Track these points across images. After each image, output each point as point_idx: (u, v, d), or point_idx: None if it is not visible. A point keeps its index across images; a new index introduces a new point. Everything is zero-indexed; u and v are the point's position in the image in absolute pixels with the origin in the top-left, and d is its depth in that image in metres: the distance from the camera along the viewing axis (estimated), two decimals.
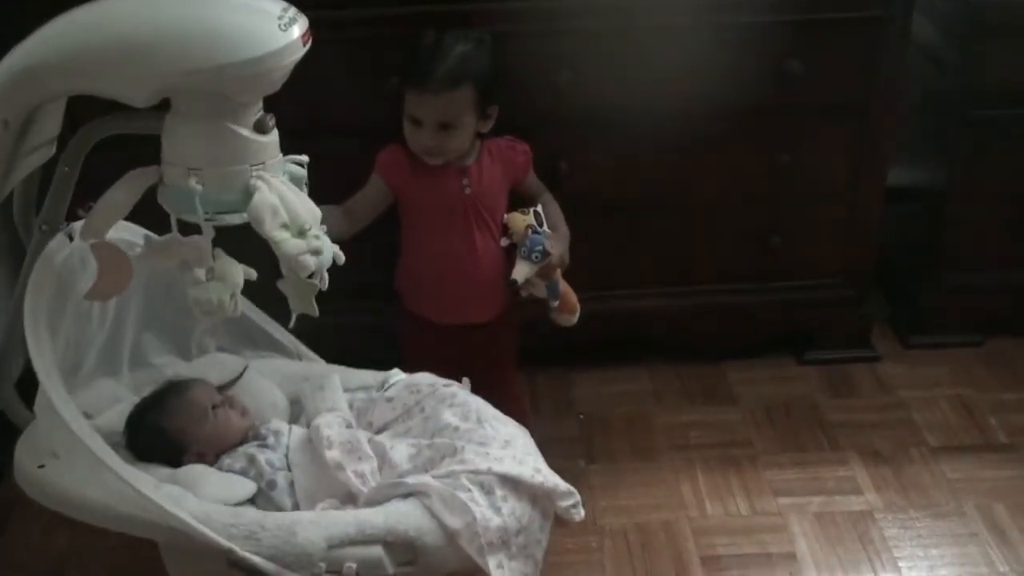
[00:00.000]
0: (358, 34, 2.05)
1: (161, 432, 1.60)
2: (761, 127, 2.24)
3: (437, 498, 1.45)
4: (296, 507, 1.55)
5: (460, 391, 1.68)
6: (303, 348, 1.83)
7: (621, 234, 2.32)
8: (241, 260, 1.49)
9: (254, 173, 1.35)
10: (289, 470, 1.58)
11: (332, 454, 1.56)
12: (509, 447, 1.56)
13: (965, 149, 2.35)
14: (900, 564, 1.96)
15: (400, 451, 1.59)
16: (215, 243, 1.41)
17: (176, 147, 1.35)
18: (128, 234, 1.57)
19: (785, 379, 2.45)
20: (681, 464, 2.21)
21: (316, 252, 1.38)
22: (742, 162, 2.27)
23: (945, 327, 2.53)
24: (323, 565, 1.40)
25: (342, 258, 1.46)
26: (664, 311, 2.41)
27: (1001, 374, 2.45)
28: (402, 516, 1.44)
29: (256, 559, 1.39)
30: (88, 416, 1.58)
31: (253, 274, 1.51)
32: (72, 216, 1.53)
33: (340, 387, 1.70)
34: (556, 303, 2.00)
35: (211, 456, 1.61)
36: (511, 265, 1.96)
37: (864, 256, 2.40)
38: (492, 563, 1.45)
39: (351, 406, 1.70)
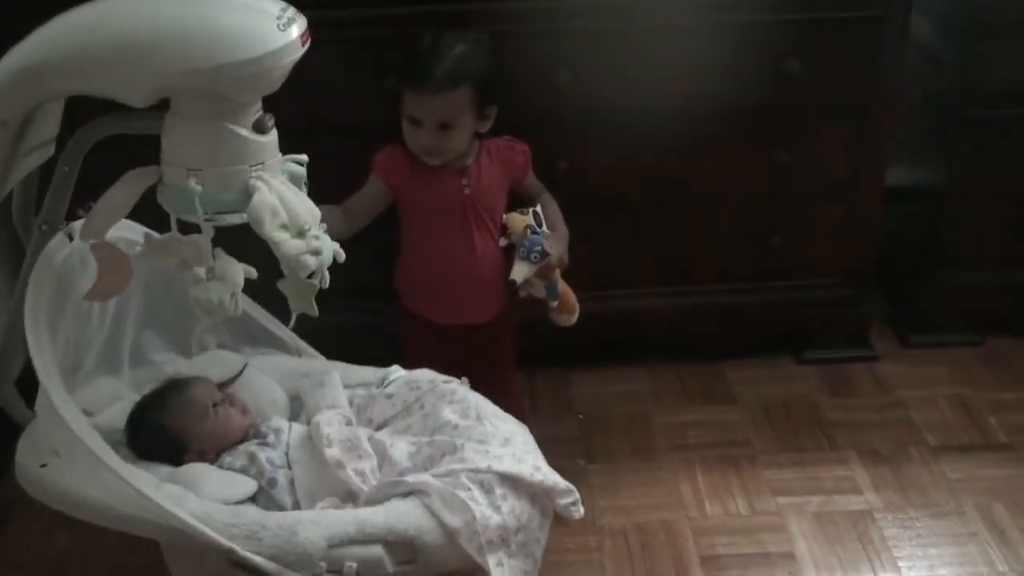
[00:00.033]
0: (357, 34, 2.06)
1: (162, 430, 1.60)
2: (761, 127, 2.24)
3: (437, 497, 1.45)
4: (296, 505, 1.55)
5: (460, 388, 1.69)
6: (303, 344, 1.83)
7: (620, 234, 2.32)
8: (241, 260, 1.49)
9: (253, 173, 1.35)
10: (289, 468, 1.58)
11: (332, 452, 1.56)
12: (509, 445, 1.56)
13: (965, 149, 2.35)
14: (899, 564, 1.96)
15: (400, 449, 1.59)
16: (215, 242, 1.41)
17: (175, 147, 1.36)
18: (128, 232, 1.57)
19: (784, 379, 2.45)
20: (680, 464, 2.21)
21: (316, 252, 1.38)
22: (742, 162, 2.27)
23: (944, 327, 2.53)
24: (324, 564, 1.40)
25: (343, 256, 1.46)
26: (663, 311, 2.41)
27: (1000, 374, 2.45)
28: (402, 515, 1.44)
29: (257, 559, 1.39)
30: (89, 414, 1.59)
31: (253, 273, 1.51)
32: (72, 216, 1.54)
33: (340, 383, 1.70)
34: (555, 303, 2.00)
35: (212, 454, 1.62)
36: (510, 265, 1.96)
37: (863, 256, 2.40)
38: (492, 561, 1.45)
39: (351, 402, 1.70)
